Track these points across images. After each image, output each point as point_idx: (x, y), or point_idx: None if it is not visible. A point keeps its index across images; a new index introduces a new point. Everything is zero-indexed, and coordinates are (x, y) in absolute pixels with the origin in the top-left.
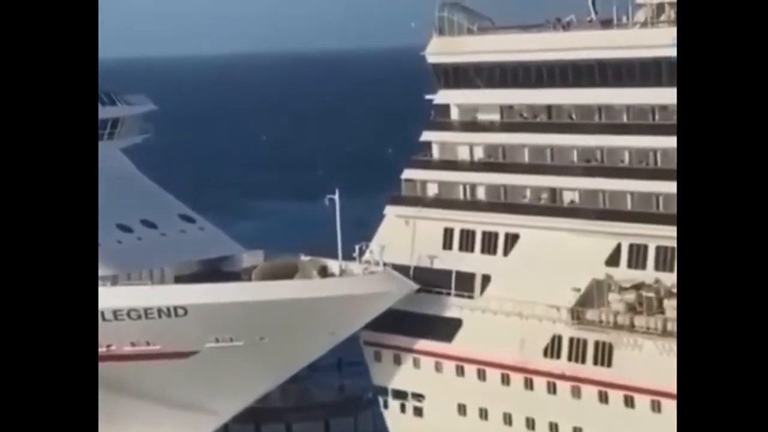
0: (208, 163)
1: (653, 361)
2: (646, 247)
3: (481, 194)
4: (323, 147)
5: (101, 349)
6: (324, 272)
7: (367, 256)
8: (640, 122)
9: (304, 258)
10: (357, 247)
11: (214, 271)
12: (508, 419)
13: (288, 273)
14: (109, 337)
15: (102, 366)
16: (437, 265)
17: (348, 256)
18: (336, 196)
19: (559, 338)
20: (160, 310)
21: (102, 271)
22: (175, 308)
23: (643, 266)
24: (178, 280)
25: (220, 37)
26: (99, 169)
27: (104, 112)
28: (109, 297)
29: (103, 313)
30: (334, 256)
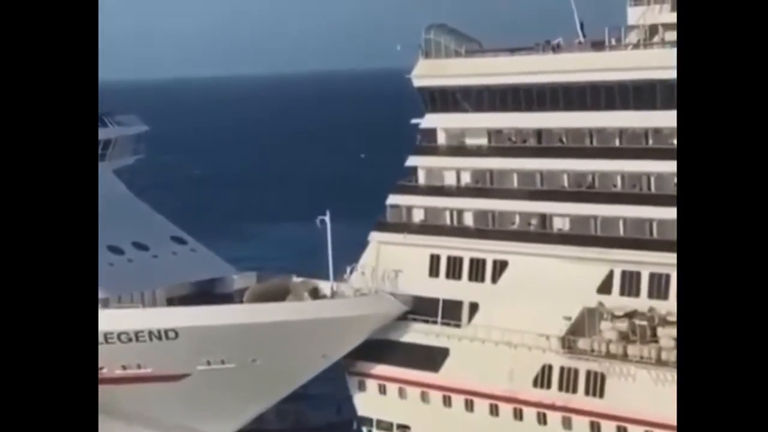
0: (199, 185)
1: (647, 391)
2: (639, 274)
3: (468, 220)
4: (315, 168)
5: None
6: (315, 294)
7: (351, 280)
8: (634, 146)
9: (296, 279)
10: (348, 269)
11: (206, 293)
12: None
13: (279, 295)
14: (100, 361)
15: None
16: (422, 292)
17: (340, 278)
18: (327, 218)
19: (550, 368)
20: (151, 333)
21: None
22: (166, 331)
23: (637, 294)
24: (170, 301)
25: (208, 59)
26: None
27: None
28: (100, 320)
29: None
30: (327, 278)
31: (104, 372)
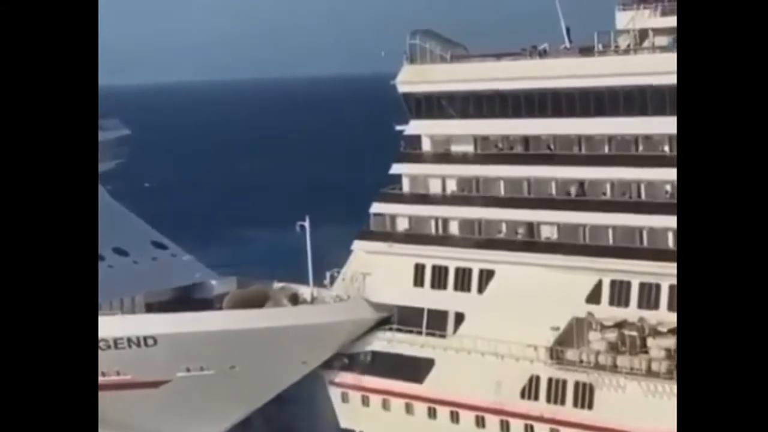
0: (183, 191)
1: (637, 402)
2: (629, 284)
3: (454, 229)
4: (302, 174)
5: None
6: (295, 300)
7: (334, 287)
8: (623, 153)
9: (276, 285)
10: (328, 275)
11: (185, 299)
12: None
13: (259, 300)
14: None
15: None
16: (406, 302)
17: (320, 283)
18: (306, 223)
19: (537, 379)
20: (129, 340)
21: None
22: (145, 338)
23: (626, 304)
24: (149, 307)
25: (194, 65)
26: None
27: None
28: None
29: None
30: (307, 283)
31: None
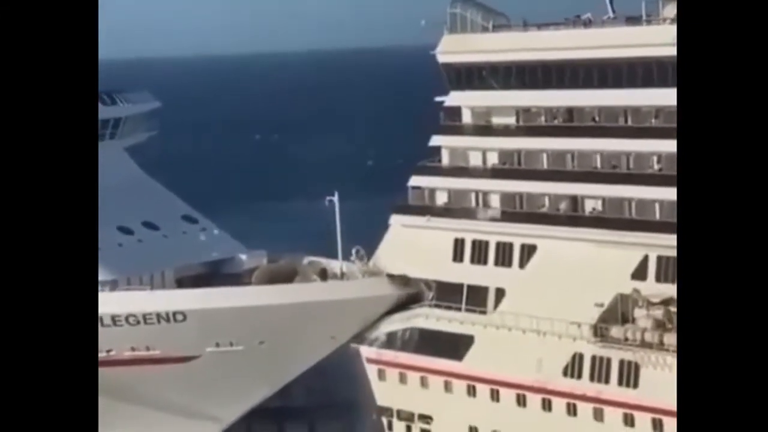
0: (213, 165)
1: None
2: (675, 260)
3: (494, 202)
4: (329, 148)
5: (101, 354)
6: (324, 275)
7: (370, 264)
8: (670, 125)
9: (307, 259)
10: (354, 251)
11: (215, 273)
12: None
13: (288, 275)
14: (108, 343)
15: (101, 371)
16: (445, 277)
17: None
18: (335, 198)
19: (581, 357)
20: (159, 316)
21: (101, 276)
22: (174, 313)
23: (673, 280)
24: (179, 282)
25: (221, 37)
26: (100, 169)
27: (105, 113)
28: (108, 302)
29: (101, 319)
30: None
31: (113, 354)
